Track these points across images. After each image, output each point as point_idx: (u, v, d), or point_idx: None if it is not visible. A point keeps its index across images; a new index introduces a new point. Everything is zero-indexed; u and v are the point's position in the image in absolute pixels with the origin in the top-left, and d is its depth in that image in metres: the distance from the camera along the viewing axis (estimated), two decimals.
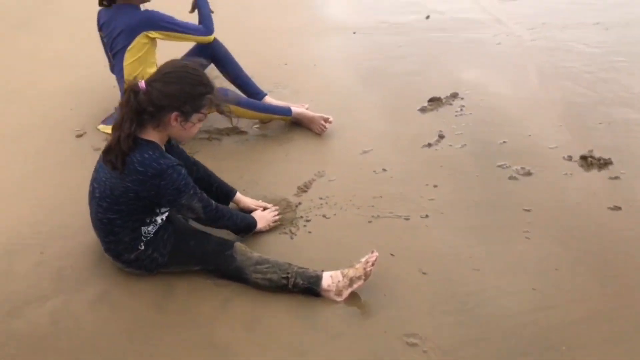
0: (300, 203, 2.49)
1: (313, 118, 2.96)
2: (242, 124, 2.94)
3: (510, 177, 2.67)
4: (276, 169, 2.72)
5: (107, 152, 1.89)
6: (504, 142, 2.94)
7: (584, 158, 2.79)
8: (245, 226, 2.22)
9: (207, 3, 2.89)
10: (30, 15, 4.26)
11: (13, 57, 3.69)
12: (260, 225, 2.28)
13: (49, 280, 2.11)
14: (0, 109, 3.11)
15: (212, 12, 2.89)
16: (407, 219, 2.42)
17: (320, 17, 4.47)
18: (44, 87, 3.32)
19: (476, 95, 3.37)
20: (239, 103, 2.77)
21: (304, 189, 2.58)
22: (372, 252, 2.06)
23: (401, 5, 4.74)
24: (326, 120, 2.95)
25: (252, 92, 3.04)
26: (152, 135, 1.91)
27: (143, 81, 1.84)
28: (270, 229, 2.33)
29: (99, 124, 2.96)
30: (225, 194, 2.36)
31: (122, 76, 2.66)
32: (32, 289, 2.07)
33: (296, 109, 2.98)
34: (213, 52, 2.95)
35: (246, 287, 2.06)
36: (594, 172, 2.72)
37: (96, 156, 2.07)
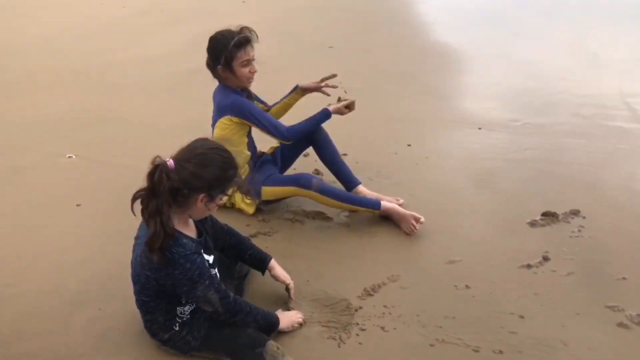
0: (360, 307, 2.29)
1: (404, 215, 2.76)
2: (330, 209, 2.85)
3: (620, 324, 2.20)
4: (348, 264, 2.55)
5: (152, 242, 1.75)
6: (624, 278, 2.46)
7: None
8: (266, 325, 2.05)
9: (320, 119, 2.82)
10: (179, 82, 4.70)
11: (143, 119, 4.03)
12: (283, 325, 2.10)
13: (94, 338, 2.14)
14: (115, 163, 3.40)
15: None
16: (477, 351, 2.09)
17: (448, 108, 4.29)
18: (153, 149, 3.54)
19: (603, 216, 2.90)
20: (321, 191, 2.70)
21: (370, 292, 2.37)
22: None
23: (542, 104, 4.38)
24: (417, 220, 2.73)
25: (345, 179, 2.96)
26: (171, 217, 1.81)
27: (172, 160, 1.79)
28: (321, 329, 2.17)
29: None
30: (260, 260, 2.27)
31: None
32: (77, 345, 2.12)
33: (387, 203, 2.80)
34: (313, 135, 2.94)
35: None
36: None
37: None
